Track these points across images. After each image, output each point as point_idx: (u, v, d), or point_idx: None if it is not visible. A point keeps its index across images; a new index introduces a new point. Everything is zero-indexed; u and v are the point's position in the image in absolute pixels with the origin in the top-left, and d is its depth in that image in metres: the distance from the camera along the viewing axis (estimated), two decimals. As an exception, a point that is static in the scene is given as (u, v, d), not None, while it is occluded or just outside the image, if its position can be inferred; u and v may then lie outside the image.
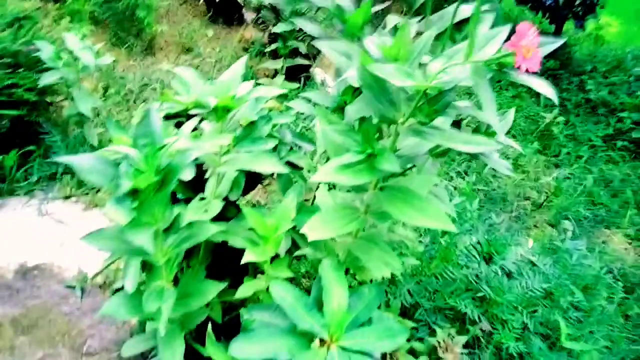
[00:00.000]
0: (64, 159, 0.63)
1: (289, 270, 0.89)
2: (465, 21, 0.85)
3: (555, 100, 0.74)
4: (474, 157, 0.90)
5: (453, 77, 0.61)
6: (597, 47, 3.20)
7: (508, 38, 0.60)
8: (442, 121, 0.69)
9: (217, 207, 0.85)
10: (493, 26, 0.78)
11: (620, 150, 2.38)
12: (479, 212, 1.82)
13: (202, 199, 0.86)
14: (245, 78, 2.09)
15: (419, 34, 0.86)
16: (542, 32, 2.68)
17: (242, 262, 0.79)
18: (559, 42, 0.77)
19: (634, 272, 1.75)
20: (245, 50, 2.36)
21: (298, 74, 2.17)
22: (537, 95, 2.71)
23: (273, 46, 2.01)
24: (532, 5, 2.79)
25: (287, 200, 0.88)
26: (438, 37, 0.88)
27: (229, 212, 0.98)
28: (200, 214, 0.82)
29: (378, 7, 0.93)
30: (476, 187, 1.96)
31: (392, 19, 0.80)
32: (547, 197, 2.00)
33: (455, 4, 0.82)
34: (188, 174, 0.88)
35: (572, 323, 1.34)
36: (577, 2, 2.64)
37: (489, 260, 1.34)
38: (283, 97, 2.12)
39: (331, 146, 0.76)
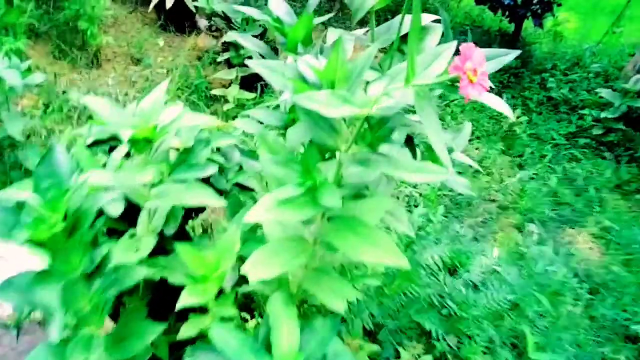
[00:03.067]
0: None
1: (234, 307, 0.81)
2: (413, 31, 0.79)
3: (512, 116, 0.69)
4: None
5: (397, 101, 0.54)
6: (557, 44, 3.22)
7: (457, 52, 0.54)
8: (390, 147, 0.62)
9: (149, 244, 0.76)
10: (442, 39, 0.72)
11: (582, 148, 2.39)
12: (445, 218, 1.78)
13: (133, 235, 0.78)
14: (199, 88, 1.97)
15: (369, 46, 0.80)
16: (502, 32, 2.66)
17: (178, 307, 0.71)
18: (511, 55, 0.72)
19: (598, 272, 1.74)
20: (199, 59, 2.26)
21: (255, 82, 2.08)
22: (500, 94, 2.70)
23: (226, 55, 1.92)
24: (490, 5, 2.78)
25: (231, 230, 0.80)
26: (388, 49, 0.82)
27: (168, 243, 0.90)
28: (129, 254, 0.73)
29: (321, 19, 0.86)
30: (441, 192, 1.92)
31: (333, 33, 0.74)
32: (512, 200, 1.98)
33: (403, 15, 0.76)
34: (116, 209, 0.79)
35: (540, 331, 1.31)
36: (535, 1, 2.65)
37: (453, 272, 1.29)
38: (240, 107, 2.04)
39: (271, 178, 0.68)
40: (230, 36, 0.85)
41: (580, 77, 2.75)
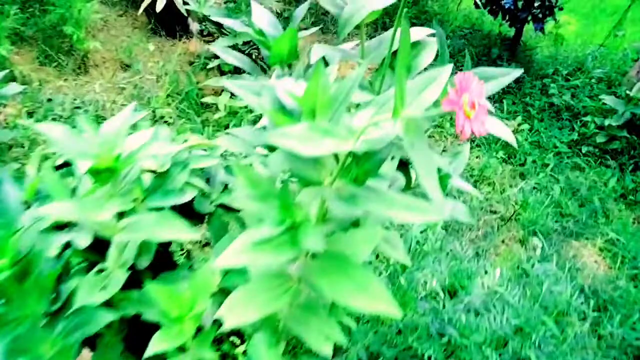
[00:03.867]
0: None
1: (212, 349, 0.74)
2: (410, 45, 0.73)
3: (514, 144, 0.62)
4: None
5: (385, 133, 0.47)
6: (558, 48, 3.15)
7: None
8: (379, 181, 0.55)
9: (119, 281, 0.70)
10: (438, 58, 0.66)
11: (586, 156, 2.32)
12: (445, 231, 1.71)
13: (101, 271, 0.71)
14: (190, 95, 1.88)
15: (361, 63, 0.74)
16: (502, 36, 2.59)
17: (146, 355, 0.64)
18: (512, 75, 0.65)
19: (604, 288, 1.67)
20: (191, 64, 2.19)
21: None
22: (501, 100, 2.63)
23: (216, 62, 1.85)
24: (490, 9, 2.71)
25: (209, 263, 0.74)
26: (379, 66, 0.75)
27: (145, 275, 0.83)
28: (95, 293, 0.66)
29: (308, 32, 0.79)
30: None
31: (317, 50, 0.67)
32: (514, 212, 1.91)
33: (395, 28, 0.70)
34: (83, 241, 0.73)
35: (546, 355, 1.24)
36: (536, 5, 2.58)
37: (453, 295, 1.22)
38: (232, 115, 1.97)
39: (247, 215, 0.61)
40: (217, 52, 0.78)
41: (582, 83, 2.68)
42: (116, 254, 0.71)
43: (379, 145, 0.48)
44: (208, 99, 1.91)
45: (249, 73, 0.84)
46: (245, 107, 1.93)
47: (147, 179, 0.78)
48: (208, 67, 2.02)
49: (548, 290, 1.28)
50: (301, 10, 0.80)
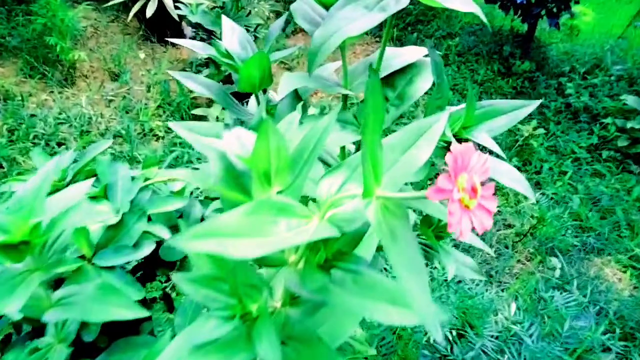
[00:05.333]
0: None
1: None
2: (400, 71, 0.60)
3: (532, 197, 0.49)
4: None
5: (357, 210, 0.35)
6: (574, 43, 2.98)
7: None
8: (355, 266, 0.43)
9: (60, 357, 0.58)
10: (435, 91, 0.53)
11: (607, 162, 2.16)
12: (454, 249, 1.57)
13: (36, 349, 0.59)
14: (181, 106, 1.73)
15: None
16: (514, 33, 2.41)
17: None
18: (529, 108, 0.52)
19: (631, 314, 1.52)
20: (183, 71, 2.07)
21: (242, 99, 1.89)
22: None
23: (206, 72, 1.73)
24: (501, 4, 2.55)
25: (164, 338, 0.62)
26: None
27: (100, 340, 0.72)
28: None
29: (283, 53, 0.67)
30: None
31: (288, 82, 0.55)
32: (530, 227, 1.77)
33: (383, 47, 0.57)
34: (16, 315, 0.61)
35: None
36: (550, -1, 2.42)
37: (463, 336, 1.09)
38: (226, 126, 1.84)
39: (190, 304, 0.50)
40: (176, 74, 0.66)
41: (601, 82, 2.51)
42: (54, 329, 0.60)
43: (350, 226, 0.35)
44: (198, 111, 1.80)
45: (224, 102, 0.72)
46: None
47: (96, 230, 0.67)
48: (203, 75, 1.91)
49: (569, 325, 1.15)
50: (275, 29, 0.67)
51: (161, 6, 2.15)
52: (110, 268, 0.63)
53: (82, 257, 0.64)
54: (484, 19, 0.47)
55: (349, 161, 0.37)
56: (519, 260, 1.67)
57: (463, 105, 0.56)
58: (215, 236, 0.30)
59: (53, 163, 0.50)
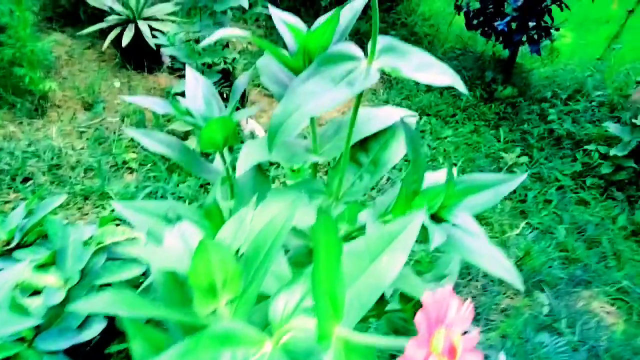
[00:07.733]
0: None
1: None
2: (374, 133, 0.55)
3: (521, 287, 0.44)
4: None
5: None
6: (555, 65, 2.99)
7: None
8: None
9: None
10: (411, 166, 0.48)
11: (591, 189, 2.14)
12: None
13: None
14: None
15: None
16: (496, 57, 2.41)
17: None
18: (514, 184, 0.47)
19: (624, 348, 1.48)
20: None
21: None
22: (497, 127, 2.47)
23: (184, 100, 1.67)
24: (482, 31, 2.56)
25: None
26: (336, 162, 0.58)
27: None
28: None
29: (250, 111, 0.62)
30: (434, 254, 1.67)
31: (247, 157, 0.49)
32: (517, 260, 1.73)
33: (355, 110, 0.52)
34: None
35: None
36: (530, 26, 2.42)
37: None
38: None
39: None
40: (132, 132, 0.60)
41: (583, 108, 2.51)
42: None
43: (307, 358, 0.30)
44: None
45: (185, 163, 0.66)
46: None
47: (40, 306, 0.60)
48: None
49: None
50: (241, 84, 0.62)
51: (138, 34, 2.10)
52: (54, 353, 0.56)
53: (22, 339, 0.57)
54: (465, 90, 0.42)
55: (307, 272, 0.32)
56: (504, 293, 1.62)
57: (442, 172, 0.51)
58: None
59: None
